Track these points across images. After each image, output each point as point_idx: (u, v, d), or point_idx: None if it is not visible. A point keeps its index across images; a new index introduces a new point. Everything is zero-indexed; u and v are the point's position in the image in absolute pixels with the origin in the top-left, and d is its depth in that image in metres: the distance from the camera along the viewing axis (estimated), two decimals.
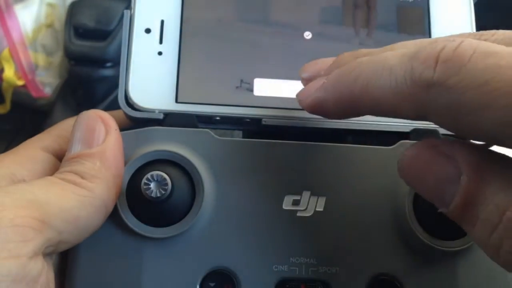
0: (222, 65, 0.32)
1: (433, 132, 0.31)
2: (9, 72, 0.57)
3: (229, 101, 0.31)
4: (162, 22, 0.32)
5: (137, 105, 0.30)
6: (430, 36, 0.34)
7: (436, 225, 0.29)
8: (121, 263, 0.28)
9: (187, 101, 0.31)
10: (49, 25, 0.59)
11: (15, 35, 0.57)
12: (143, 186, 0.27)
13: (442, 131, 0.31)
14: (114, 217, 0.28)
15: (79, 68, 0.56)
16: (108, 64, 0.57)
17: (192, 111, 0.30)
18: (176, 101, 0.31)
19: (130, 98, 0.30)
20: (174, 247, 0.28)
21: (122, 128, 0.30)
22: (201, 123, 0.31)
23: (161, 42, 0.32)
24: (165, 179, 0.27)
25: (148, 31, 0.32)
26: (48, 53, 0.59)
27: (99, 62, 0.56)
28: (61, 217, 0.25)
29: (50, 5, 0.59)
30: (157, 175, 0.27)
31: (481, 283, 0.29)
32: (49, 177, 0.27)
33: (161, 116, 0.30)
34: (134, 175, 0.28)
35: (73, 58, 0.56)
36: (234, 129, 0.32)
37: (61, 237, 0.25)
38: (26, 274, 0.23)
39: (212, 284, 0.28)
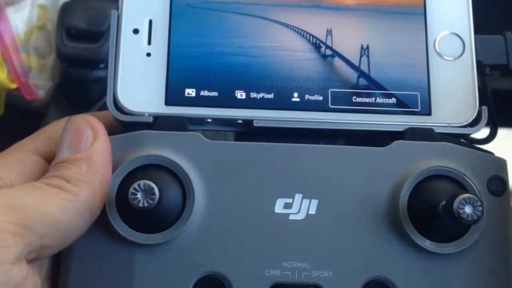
0: (214, 63, 0.31)
1: (428, 131, 0.30)
2: (2, 75, 0.56)
3: (220, 103, 0.30)
4: (150, 22, 0.31)
5: (126, 108, 0.30)
6: (426, 32, 0.33)
7: (431, 228, 0.29)
8: (112, 270, 0.28)
9: (177, 104, 0.30)
10: (41, 27, 0.59)
11: (7, 38, 0.57)
12: (130, 196, 0.26)
13: (437, 129, 0.31)
14: (104, 224, 0.28)
15: (72, 70, 0.56)
16: (101, 65, 0.56)
17: (182, 114, 0.30)
18: (166, 104, 0.30)
19: (119, 101, 0.30)
20: (166, 253, 0.28)
21: (112, 131, 0.29)
22: (192, 125, 0.30)
23: (149, 43, 0.31)
24: (152, 188, 0.26)
25: (136, 31, 0.31)
26: (41, 55, 0.59)
27: (92, 63, 0.56)
28: (42, 221, 0.24)
29: (42, 7, 0.58)
30: (144, 184, 0.26)
31: (475, 286, 0.29)
32: (33, 182, 0.26)
33: (150, 120, 0.30)
34: (124, 181, 0.28)
35: (65, 60, 0.56)
36: (226, 131, 0.32)
37: (42, 242, 0.24)
38: (9, 280, 0.23)
39: None
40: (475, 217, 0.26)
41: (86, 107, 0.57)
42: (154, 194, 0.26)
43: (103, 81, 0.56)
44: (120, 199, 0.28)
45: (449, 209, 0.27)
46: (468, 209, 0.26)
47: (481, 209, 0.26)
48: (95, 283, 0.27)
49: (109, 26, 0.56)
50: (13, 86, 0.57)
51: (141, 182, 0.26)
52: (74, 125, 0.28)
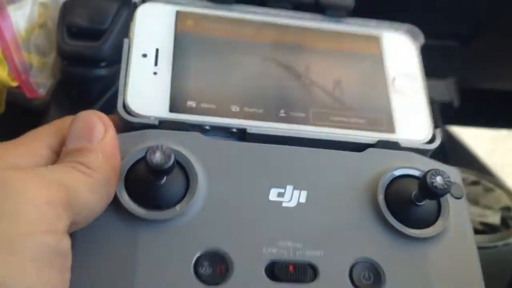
0: (212, 83, 0.37)
1: (394, 143, 0.36)
2: (3, 73, 0.56)
3: (217, 114, 0.35)
4: (157, 50, 0.37)
5: (134, 112, 0.34)
6: (385, 73, 0.40)
7: (407, 216, 0.33)
8: (119, 243, 0.30)
9: (180, 112, 0.35)
10: (42, 25, 0.59)
11: (8, 36, 0.57)
12: (149, 152, 0.29)
13: (402, 143, 0.36)
14: (114, 203, 0.31)
15: (72, 68, 0.56)
16: (102, 64, 0.56)
17: (184, 119, 0.34)
18: (170, 111, 0.35)
19: (128, 107, 0.34)
20: (170, 229, 0.31)
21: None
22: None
23: (156, 64, 0.37)
24: (170, 152, 0.29)
25: (144, 55, 0.37)
26: (42, 53, 0.59)
27: (93, 61, 0.56)
28: (78, 200, 0.28)
29: (42, 4, 0.58)
30: (164, 147, 0.29)
31: (452, 265, 0.32)
32: (63, 165, 0.29)
33: (156, 122, 0.34)
34: (133, 166, 0.32)
35: (66, 58, 0.56)
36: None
37: (76, 219, 0.28)
38: (61, 248, 0.26)
39: (206, 263, 0.30)
40: (446, 186, 0.30)
41: (87, 105, 0.57)
42: (170, 156, 0.29)
43: (104, 80, 0.56)
44: (130, 181, 0.31)
45: (424, 184, 0.31)
46: (439, 179, 0.31)
47: (449, 179, 0.31)
48: (101, 255, 0.30)
49: (110, 24, 0.57)
50: (14, 84, 0.57)
51: (162, 145, 0.29)
52: (85, 119, 0.31)
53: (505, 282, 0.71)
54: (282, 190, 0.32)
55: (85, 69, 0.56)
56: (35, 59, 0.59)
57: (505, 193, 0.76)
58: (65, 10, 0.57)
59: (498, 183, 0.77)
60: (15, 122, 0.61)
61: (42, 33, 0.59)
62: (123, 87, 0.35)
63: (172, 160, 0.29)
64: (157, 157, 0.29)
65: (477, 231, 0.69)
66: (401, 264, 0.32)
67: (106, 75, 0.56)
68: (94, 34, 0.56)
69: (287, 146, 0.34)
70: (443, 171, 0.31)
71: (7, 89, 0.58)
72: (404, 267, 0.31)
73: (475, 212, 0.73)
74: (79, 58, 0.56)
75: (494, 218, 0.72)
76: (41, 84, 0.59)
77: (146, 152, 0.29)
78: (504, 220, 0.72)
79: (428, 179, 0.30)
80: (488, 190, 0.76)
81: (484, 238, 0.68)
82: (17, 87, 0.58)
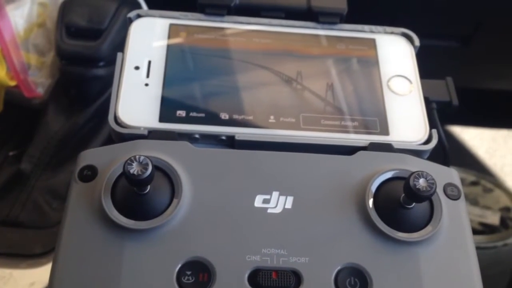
0: (201, 92, 0.37)
1: (387, 145, 0.35)
2: (1, 73, 0.56)
3: (206, 122, 0.35)
4: (149, 62, 0.37)
5: (124, 123, 0.34)
6: (380, 75, 0.39)
7: (396, 220, 0.32)
8: (105, 254, 0.30)
9: (169, 121, 0.35)
10: (41, 25, 0.59)
11: (7, 35, 0.56)
12: (126, 166, 0.29)
13: (396, 145, 0.35)
14: (100, 213, 0.30)
15: (71, 68, 0.56)
16: (101, 63, 0.56)
17: (173, 129, 0.34)
18: (159, 121, 0.35)
19: (119, 118, 0.35)
20: (154, 239, 0.30)
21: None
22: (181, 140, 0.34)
23: (148, 76, 0.37)
24: (147, 162, 0.29)
25: (137, 68, 0.37)
26: (40, 52, 0.59)
27: (91, 61, 0.56)
28: None
29: (41, 4, 0.58)
30: (139, 157, 0.29)
31: (446, 269, 0.31)
32: None
33: (145, 132, 0.34)
34: (119, 177, 0.31)
35: (65, 58, 0.56)
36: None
37: None
38: None
39: (188, 272, 0.30)
40: (429, 189, 0.30)
41: (85, 105, 0.57)
42: (147, 165, 0.29)
43: (102, 79, 0.56)
44: (116, 192, 0.31)
45: (408, 187, 0.30)
46: (422, 182, 0.30)
47: (433, 181, 0.30)
48: (86, 266, 0.30)
49: (109, 24, 0.57)
50: (12, 83, 0.57)
51: (137, 155, 0.29)
52: None
53: (504, 282, 0.71)
54: (267, 197, 0.32)
55: (84, 69, 0.56)
56: (33, 59, 0.59)
57: (504, 193, 0.76)
58: (64, 10, 0.57)
59: (497, 184, 0.77)
60: (13, 121, 0.61)
61: (40, 32, 0.59)
62: (115, 100, 0.35)
63: (149, 170, 0.29)
64: (134, 168, 0.29)
65: (476, 232, 0.69)
66: (389, 269, 0.31)
67: (104, 74, 0.56)
68: (92, 33, 0.56)
69: (274, 152, 0.34)
70: (426, 173, 0.30)
71: (5, 88, 0.58)
72: (392, 272, 0.31)
73: (474, 212, 0.72)
74: (77, 57, 0.56)
75: (493, 219, 0.72)
76: (39, 83, 0.58)
77: (124, 164, 0.29)
78: (503, 221, 0.72)
79: (411, 182, 0.30)
80: (487, 190, 0.76)
81: (483, 239, 0.68)
82: (16, 86, 0.58)
